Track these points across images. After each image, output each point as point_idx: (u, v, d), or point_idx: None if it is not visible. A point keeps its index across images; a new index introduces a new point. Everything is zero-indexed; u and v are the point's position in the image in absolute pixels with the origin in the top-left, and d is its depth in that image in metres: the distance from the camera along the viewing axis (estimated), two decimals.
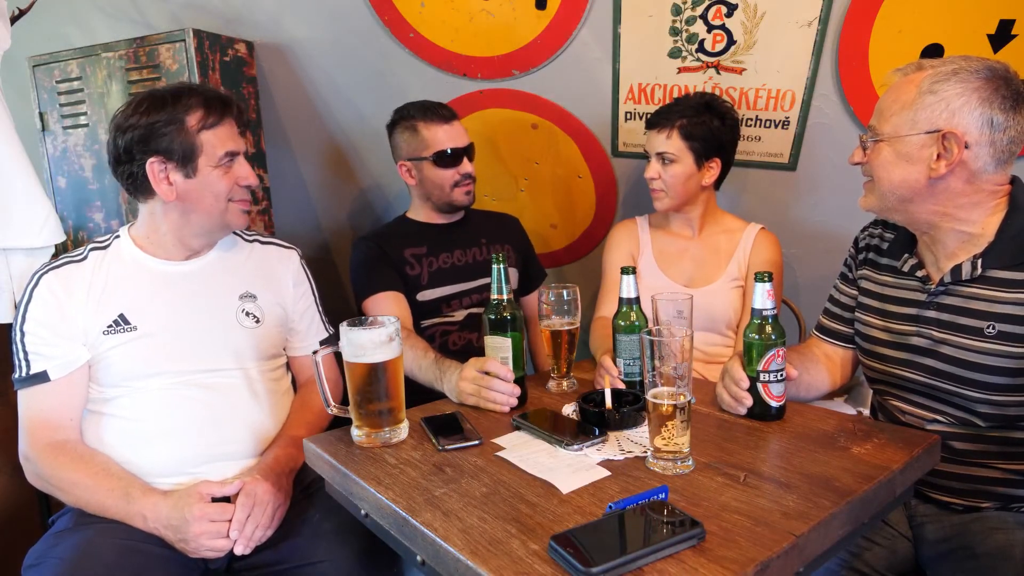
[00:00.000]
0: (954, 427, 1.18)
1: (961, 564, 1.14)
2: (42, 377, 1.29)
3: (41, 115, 2.18)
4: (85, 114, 2.11)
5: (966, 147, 1.08)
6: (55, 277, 1.32)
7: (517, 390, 1.28)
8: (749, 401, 1.18)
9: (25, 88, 2.18)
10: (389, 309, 1.69)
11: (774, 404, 1.17)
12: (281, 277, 1.51)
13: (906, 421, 1.24)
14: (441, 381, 1.41)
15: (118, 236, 1.41)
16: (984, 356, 1.12)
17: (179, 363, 1.33)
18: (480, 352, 1.86)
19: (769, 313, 1.16)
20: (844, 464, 0.98)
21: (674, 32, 1.85)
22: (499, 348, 1.31)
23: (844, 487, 0.91)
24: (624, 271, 1.31)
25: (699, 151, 1.69)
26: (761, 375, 1.16)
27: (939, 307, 1.18)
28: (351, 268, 1.82)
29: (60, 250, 2.18)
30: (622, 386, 1.29)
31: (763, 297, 1.16)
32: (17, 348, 1.31)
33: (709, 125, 1.68)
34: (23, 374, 1.31)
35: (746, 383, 1.18)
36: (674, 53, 1.88)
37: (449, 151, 1.75)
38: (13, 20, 1.79)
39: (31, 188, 1.59)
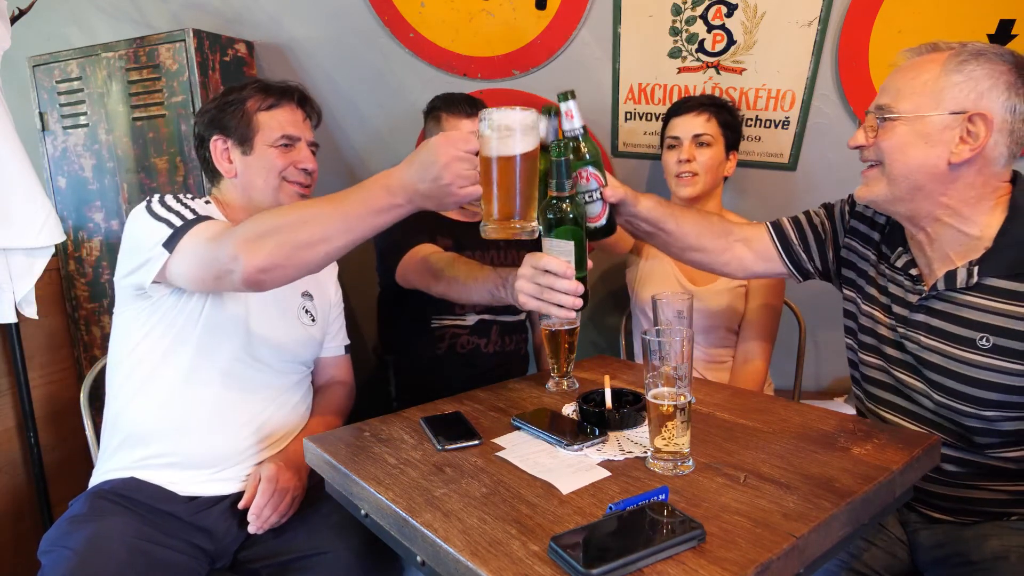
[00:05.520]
0: (944, 448, 1.13)
1: (957, 569, 1.13)
2: (209, 218, 1.24)
3: (41, 115, 2.18)
4: (85, 114, 2.11)
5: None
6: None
7: (580, 288, 1.15)
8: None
9: (25, 88, 2.18)
10: (432, 251, 1.59)
11: (590, 225, 1.18)
12: (326, 281, 1.60)
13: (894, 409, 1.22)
14: (503, 287, 1.29)
15: (208, 201, 1.39)
16: (975, 369, 1.07)
17: (243, 343, 1.36)
18: (489, 358, 1.84)
19: (578, 132, 1.15)
20: (844, 465, 0.98)
21: (674, 32, 1.85)
22: (560, 253, 1.17)
23: (844, 488, 0.91)
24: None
25: (728, 139, 1.73)
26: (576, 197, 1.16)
27: (929, 311, 1.13)
28: (384, 234, 1.76)
29: (60, 250, 2.19)
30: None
31: (568, 119, 1.14)
32: (168, 208, 1.24)
33: (734, 117, 1.74)
34: (189, 217, 1.21)
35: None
36: (674, 53, 1.88)
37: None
38: (13, 20, 1.79)
39: (31, 188, 1.59)
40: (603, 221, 1.17)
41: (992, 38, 1.60)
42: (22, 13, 1.95)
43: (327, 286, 1.60)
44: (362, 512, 1.05)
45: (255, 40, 2.17)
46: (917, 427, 1.17)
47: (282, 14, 2.11)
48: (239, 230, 1.13)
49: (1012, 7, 1.56)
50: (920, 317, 1.14)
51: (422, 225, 1.70)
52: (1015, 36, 1.58)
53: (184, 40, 1.94)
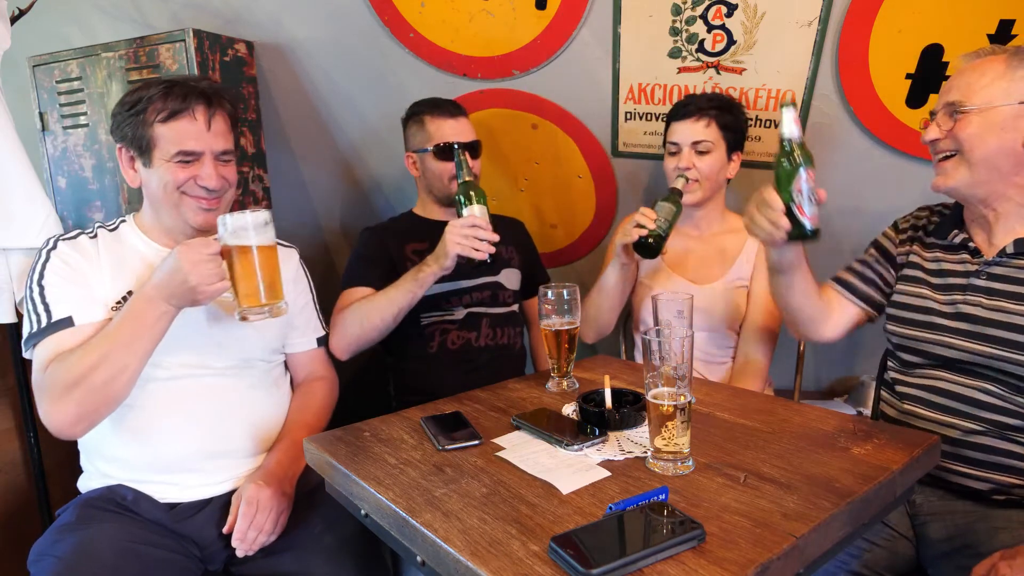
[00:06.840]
0: (991, 397, 1.21)
1: (965, 563, 1.14)
2: (66, 323, 1.24)
3: (41, 115, 2.18)
4: (85, 114, 2.11)
5: None
6: (70, 245, 1.32)
7: (496, 236, 1.52)
8: (787, 223, 1.22)
9: (25, 88, 2.18)
10: (362, 295, 1.73)
11: (808, 224, 1.21)
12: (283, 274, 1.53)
13: (942, 388, 1.26)
14: (424, 266, 1.59)
15: (124, 221, 1.41)
16: None
17: (184, 354, 1.32)
18: (480, 352, 1.86)
19: (797, 139, 1.20)
20: (844, 465, 0.98)
21: (674, 32, 1.85)
22: (479, 215, 1.54)
23: (844, 488, 0.91)
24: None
25: (730, 142, 1.71)
26: (795, 196, 1.20)
27: (990, 276, 1.23)
28: (351, 255, 1.83)
29: None
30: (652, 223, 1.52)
31: (790, 124, 1.20)
32: (34, 303, 1.26)
33: (737, 117, 1.72)
34: (43, 323, 1.24)
35: (781, 206, 1.21)
36: (674, 53, 1.88)
37: (452, 144, 1.76)
38: (13, 20, 1.79)
39: (31, 188, 1.59)
40: (818, 224, 1.22)
41: (992, 38, 1.59)
42: (22, 13, 1.94)
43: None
44: (362, 512, 1.05)
45: (255, 40, 2.16)
46: (966, 380, 1.24)
47: (282, 14, 2.10)
48: (45, 388, 1.19)
49: (1012, 7, 1.56)
50: (981, 282, 1.24)
51: (381, 259, 1.78)
52: (1015, 36, 1.58)
53: (184, 40, 1.94)
